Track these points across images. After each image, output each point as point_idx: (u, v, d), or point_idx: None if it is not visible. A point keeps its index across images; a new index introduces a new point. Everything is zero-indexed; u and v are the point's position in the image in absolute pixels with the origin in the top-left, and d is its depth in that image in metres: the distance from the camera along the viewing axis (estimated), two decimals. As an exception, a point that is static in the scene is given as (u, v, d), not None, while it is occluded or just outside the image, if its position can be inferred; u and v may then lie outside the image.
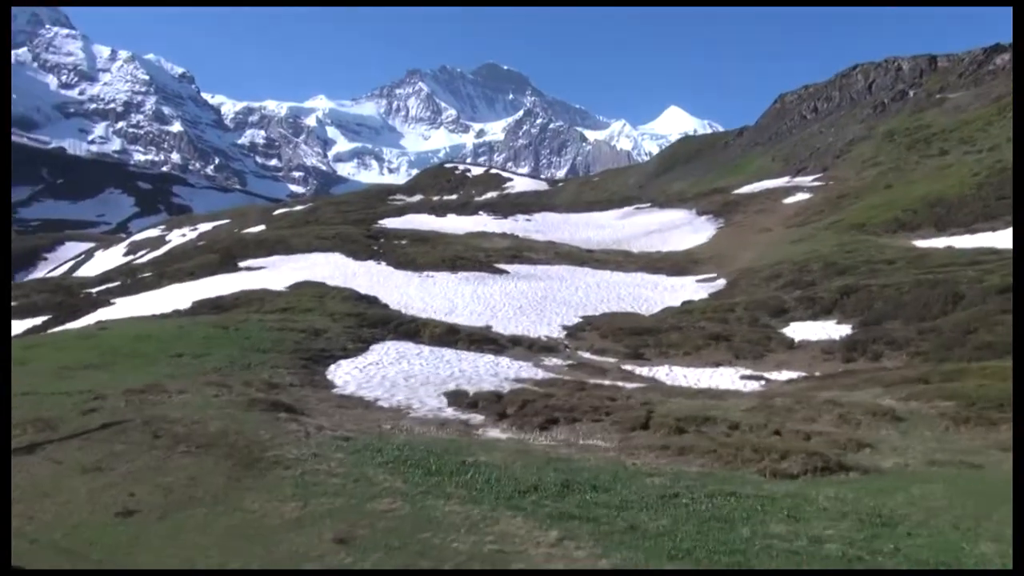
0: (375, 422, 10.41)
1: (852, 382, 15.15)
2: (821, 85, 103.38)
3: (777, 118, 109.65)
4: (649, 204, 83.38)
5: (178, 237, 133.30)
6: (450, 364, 18.43)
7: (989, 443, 9.96)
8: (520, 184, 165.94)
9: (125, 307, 42.29)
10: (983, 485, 7.62)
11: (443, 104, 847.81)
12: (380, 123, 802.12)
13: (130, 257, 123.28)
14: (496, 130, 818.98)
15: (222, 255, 54.41)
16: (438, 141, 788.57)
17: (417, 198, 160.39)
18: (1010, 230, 34.93)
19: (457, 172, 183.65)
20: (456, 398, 13.16)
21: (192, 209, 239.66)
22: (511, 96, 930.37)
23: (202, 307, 34.00)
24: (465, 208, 79.51)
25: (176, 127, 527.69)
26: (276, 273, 44.63)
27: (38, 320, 45.39)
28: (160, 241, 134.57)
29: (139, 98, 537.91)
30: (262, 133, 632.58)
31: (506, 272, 43.27)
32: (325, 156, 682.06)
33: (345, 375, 15.50)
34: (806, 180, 69.69)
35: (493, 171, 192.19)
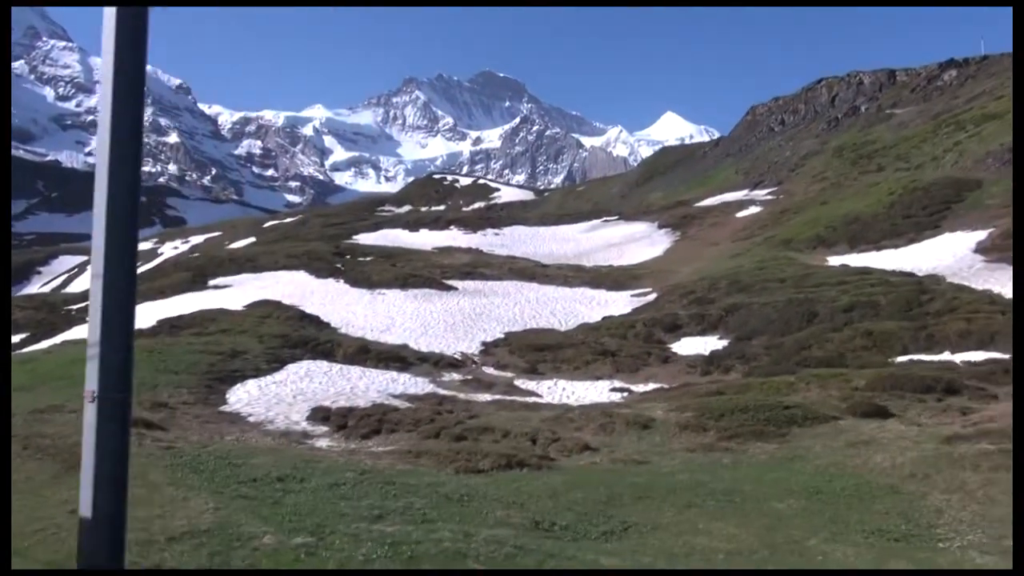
0: (223, 435, 13.09)
1: (674, 394, 17.80)
2: (789, 98, 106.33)
3: (748, 130, 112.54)
4: (617, 217, 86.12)
5: (170, 250, 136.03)
6: (348, 381, 21.14)
7: (686, 446, 12.58)
8: (507, 194, 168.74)
9: (98, 324, 44.79)
10: (600, 476, 10.26)
11: (440, 112, 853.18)
12: (377, 132, 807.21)
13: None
14: (493, 137, 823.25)
15: (194, 273, 57.11)
16: (435, 149, 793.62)
17: (406, 209, 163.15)
18: (911, 247, 37.68)
19: (446, 183, 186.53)
20: (316, 413, 15.83)
21: (186, 221, 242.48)
22: (508, 103, 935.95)
23: (163, 326, 36.55)
24: (437, 223, 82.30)
25: (173, 138, 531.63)
26: (240, 292, 47.20)
27: (16, 338, 48.09)
28: (152, 254, 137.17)
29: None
30: (259, 143, 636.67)
31: (455, 288, 45.97)
32: (322, 165, 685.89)
33: (243, 393, 18.16)
34: (761, 194, 72.48)
35: (481, 181, 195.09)
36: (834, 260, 39.28)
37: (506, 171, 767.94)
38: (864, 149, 64.17)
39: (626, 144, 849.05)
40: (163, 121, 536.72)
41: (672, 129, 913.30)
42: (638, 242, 69.09)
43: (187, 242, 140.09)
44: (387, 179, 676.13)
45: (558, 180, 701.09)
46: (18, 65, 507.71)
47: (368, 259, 58.42)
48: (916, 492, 8.91)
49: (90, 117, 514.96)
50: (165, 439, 11.56)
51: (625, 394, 21.62)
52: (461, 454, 11.28)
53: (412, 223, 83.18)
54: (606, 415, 14.79)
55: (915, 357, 19.67)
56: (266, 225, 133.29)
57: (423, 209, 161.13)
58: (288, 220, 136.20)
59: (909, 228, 38.62)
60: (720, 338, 27.03)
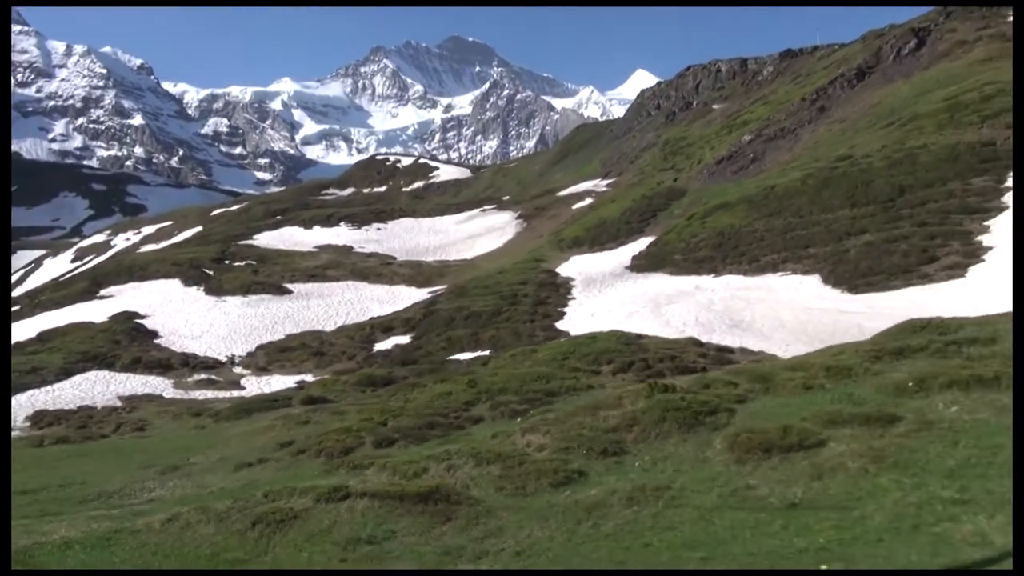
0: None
1: (293, 387, 28.18)
2: (666, 84, 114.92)
3: (636, 113, 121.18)
4: (495, 206, 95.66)
5: (123, 241, 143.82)
6: (106, 387, 31.36)
7: (196, 425, 22.77)
8: (445, 173, 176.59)
9: None
10: (90, 447, 20.45)
11: (409, 80, 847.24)
12: (347, 103, 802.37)
13: (77, 264, 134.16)
14: (464, 104, 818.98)
15: (91, 283, 66.76)
16: (406, 118, 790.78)
17: (349, 191, 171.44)
18: (615, 250, 47.79)
19: (388, 164, 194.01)
20: (37, 415, 25.99)
21: (147, 208, 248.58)
22: (478, 68, 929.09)
23: (35, 340, 46.25)
24: (329, 220, 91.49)
25: (137, 120, 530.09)
26: (116, 302, 56.82)
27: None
28: (105, 246, 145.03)
29: (98, 93, 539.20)
30: (226, 121, 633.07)
31: (290, 292, 55.89)
32: (292, 140, 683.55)
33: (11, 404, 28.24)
34: (602, 184, 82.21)
35: (421, 161, 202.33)
36: (574, 259, 49.35)
37: (478, 137, 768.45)
38: (676, 146, 73.47)
39: (598, 104, 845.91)
40: (126, 103, 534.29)
41: (643, 87, 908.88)
42: (492, 234, 78.88)
43: (139, 233, 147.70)
44: (359, 151, 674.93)
45: (530, 144, 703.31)
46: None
47: (242, 264, 68.07)
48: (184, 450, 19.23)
49: (51, 103, 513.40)
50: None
51: (301, 385, 31.96)
52: (40, 437, 21.48)
53: (307, 221, 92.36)
54: (187, 407, 25.12)
55: (464, 356, 29.94)
56: (213, 213, 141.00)
57: (365, 191, 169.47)
58: (234, 208, 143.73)
59: (624, 233, 48.71)
60: (412, 338, 37.29)
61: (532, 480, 7.88)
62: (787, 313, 26.04)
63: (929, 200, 31.19)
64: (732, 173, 47.98)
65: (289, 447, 15.81)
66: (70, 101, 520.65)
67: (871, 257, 28.82)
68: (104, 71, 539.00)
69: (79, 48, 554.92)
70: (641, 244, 44.10)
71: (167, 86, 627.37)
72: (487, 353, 28.22)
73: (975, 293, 24.08)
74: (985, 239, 27.78)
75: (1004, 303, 20.51)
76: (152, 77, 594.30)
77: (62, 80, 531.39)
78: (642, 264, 38.79)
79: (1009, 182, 30.65)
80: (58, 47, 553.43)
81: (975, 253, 27.07)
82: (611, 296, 34.31)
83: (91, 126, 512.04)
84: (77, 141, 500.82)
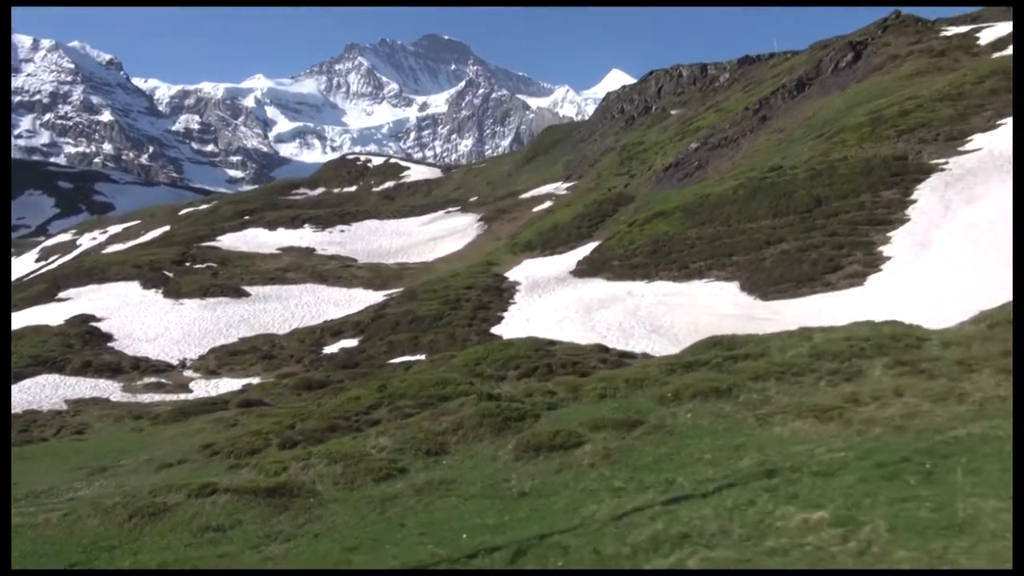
0: None
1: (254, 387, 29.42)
2: (630, 87, 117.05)
3: (602, 115, 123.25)
4: (459, 208, 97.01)
5: (88, 241, 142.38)
6: (55, 390, 32.29)
7: (135, 428, 24.01)
8: (416, 173, 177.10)
9: (-44, 337, 54.35)
10: (37, 448, 21.73)
11: (384, 78, 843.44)
12: (321, 101, 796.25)
13: (41, 264, 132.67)
14: (439, 102, 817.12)
15: (49, 285, 66.96)
16: (381, 116, 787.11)
17: (319, 191, 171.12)
18: (567, 253, 49.49)
19: (359, 163, 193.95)
20: (-20, 418, 27.07)
21: (115, 207, 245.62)
22: (453, 66, 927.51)
23: (-12, 342, 46.61)
24: (293, 222, 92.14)
25: (106, 116, 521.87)
26: (74, 304, 57.31)
27: None
28: (71, 246, 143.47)
29: (66, 88, 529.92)
30: (197, 118, 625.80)
31: (248, 295, 56.78)
32: (266, 137, 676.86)
33: (-41, 405, 29.12)
34: (562, 188, 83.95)
35: (392, 161, 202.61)
36: (526, 263, 50.94)
37: (453, 136, 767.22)
38: (633, 151, 75.50)
39: (573, 104, 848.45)
40: (95, 99, 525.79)
41: (618, 86, 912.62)
42: (453, 236, 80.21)
43: (105, 232, 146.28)
44: (333, 149, 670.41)
45: (505, 143, 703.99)
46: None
47: (202, 266, 68.68)
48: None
49: (17, 98, 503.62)
50: None
51: (245, 389, 33.14)
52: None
53: (272, 222, 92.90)
54: (128, 410, 26.27)
55: (402, 359, 31.41)
56: (182, 213, 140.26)
57: (336, 191, 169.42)
58: (202, 207, 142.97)
59: (575, 237, 50.40)
60: (359, 342, 38.60)
61: (361, 476, 9.35)
62: (704, 319, 27.82)
63: (841, 211, 33.31)
64: (678, 180, 49.89)
65: (208, 449, 17.12)
66: (37, 96, 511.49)
67: (784, 265, 30.78)
68: (72, 66, 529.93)
69: (46, 42, 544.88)
70: (587, 249, 45.76)
71: (137, 82, 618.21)
72: (423, 357, 29.65)
73: (870, 300, 26.05)
74: (885, 249, 29.91)
75: (893, 309, 22.49)
76: (122, 73, 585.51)
77: (28, 75, 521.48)
78: (584, 269, 40.44)
79: (915, 195, 32.85)
80: (24, 41, 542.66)
81: (874, 263, 29.16)
82: (549, 301, 35.91)
83: (58, 122, 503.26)
84: (44, 137, 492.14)
